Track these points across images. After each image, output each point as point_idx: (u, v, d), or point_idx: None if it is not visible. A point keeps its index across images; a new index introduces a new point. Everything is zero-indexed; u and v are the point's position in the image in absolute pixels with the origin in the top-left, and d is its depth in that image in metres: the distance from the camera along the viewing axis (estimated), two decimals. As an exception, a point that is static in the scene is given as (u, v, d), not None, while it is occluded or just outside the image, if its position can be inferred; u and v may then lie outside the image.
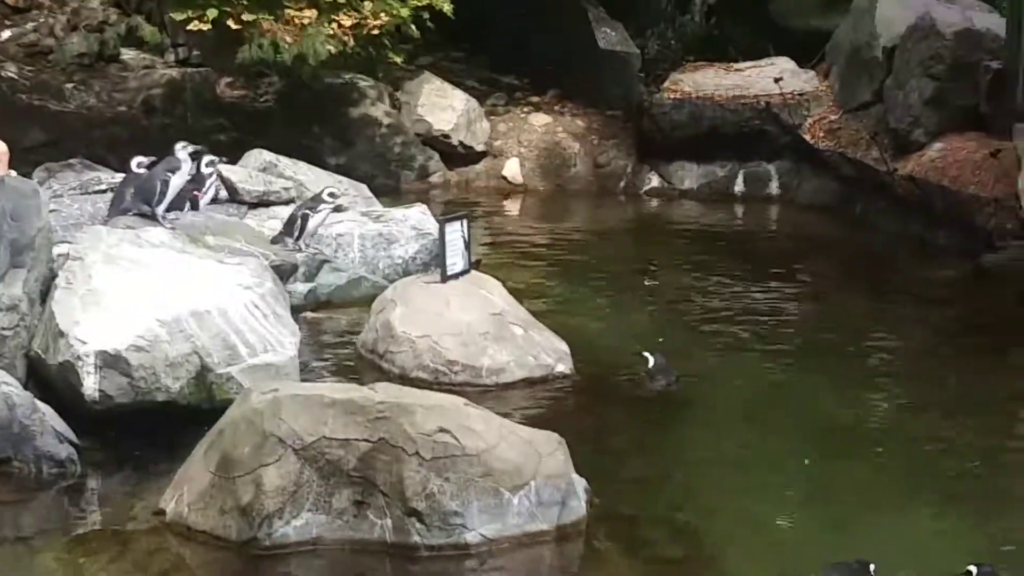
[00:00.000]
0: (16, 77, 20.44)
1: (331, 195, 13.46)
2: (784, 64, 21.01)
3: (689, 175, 20.79)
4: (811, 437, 10.28)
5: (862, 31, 19.40)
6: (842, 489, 9.30)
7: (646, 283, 15.27)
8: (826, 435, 10.35)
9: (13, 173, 13.59)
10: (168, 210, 12.69)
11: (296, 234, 13.08)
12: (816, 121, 19.81)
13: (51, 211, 11.58)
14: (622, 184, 21.04)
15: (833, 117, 19.68)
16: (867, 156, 18.62)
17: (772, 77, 20.42)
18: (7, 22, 21.76)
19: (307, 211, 13.22)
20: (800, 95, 20.11)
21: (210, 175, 13.57)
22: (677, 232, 18.66)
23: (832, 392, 11.34)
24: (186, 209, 13.11)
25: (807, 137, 19.69)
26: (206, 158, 13.56)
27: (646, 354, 11.31)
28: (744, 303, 14.21)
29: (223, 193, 14.28)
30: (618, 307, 13.94)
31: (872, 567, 7.79)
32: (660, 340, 12.15)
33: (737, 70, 21.24)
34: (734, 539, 8.43)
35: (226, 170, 14.41)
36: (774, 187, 20.51)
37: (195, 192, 13.24)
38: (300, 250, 13.02)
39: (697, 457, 9.79)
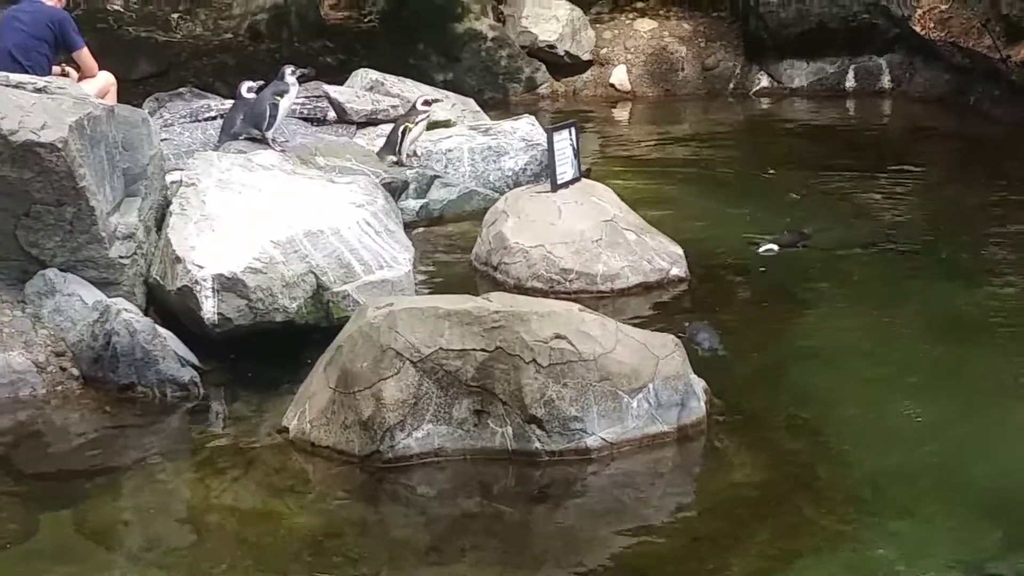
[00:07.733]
0: (122, 10, 20.62)
1: (425, 103, 13.42)
2: (891, -45, 20.69)
3: (799, 73, 20.64)
4: (933, 328, 10.16)
5: (970, -84, 19.03)
6: (966, 378, 9.18)
7: (759, 184, 15.11)
8: (949, 325, 10.22)
9: None
10: None
11: (396, 148, 13.10)
12: (926, 12, 19.48)
13: (162, 140, 11.69)
14: (731, 86, 20.94)
15: (943, 7, 19.33)
16: (979, 44, 18.30)
17: (880, -31, 20.12)
18: (110, -43, 21.94)
19: (406, 123, 13.23)
20: (909, -15, 19.78)
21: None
22: (789, 131, 18.51)
23: (952, 283, 11.22)
24: None
25: (917, 28, 19.39)
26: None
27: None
28: (860, 199, 14.07)
29: (331, 114, 14.33)
30: (731, 209, 13.82)
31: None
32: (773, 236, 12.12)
33: (844, -37, 20.93)
34: (856, 432, 8.36)
35: (333, 91, 14.45)
36: (885, 81, 20.33)
37: None
38: (403, 163, 13.05)
39: (817, 353, 9.70)
